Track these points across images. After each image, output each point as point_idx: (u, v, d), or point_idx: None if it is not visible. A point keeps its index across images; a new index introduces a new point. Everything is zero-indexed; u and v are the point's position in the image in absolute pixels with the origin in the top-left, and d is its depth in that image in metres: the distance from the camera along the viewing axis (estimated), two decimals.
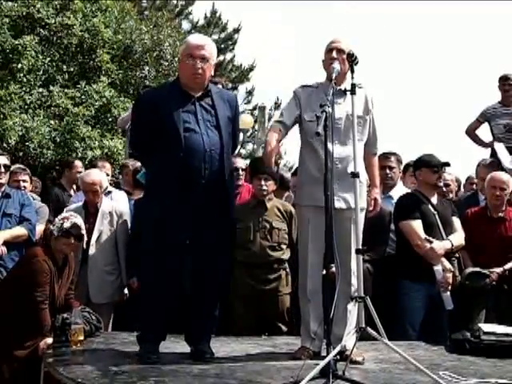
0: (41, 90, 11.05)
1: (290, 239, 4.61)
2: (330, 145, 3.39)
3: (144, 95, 3.75)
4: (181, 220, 3.49)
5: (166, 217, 3.49)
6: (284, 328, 4.57)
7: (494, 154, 6.35)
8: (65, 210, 4.87)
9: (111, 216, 4.84)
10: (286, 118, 3.77)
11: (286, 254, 4.60)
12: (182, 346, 3.74)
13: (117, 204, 5.06)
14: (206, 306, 3.69)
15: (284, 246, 4.59)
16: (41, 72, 11.00)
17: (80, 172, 5.75)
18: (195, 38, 3.71)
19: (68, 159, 7.45)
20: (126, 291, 4.92)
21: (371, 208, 3.79)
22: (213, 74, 3.71)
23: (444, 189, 5.35)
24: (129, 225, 4.97)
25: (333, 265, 3.37)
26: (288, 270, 4.61)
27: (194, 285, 3.64)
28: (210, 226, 3.56)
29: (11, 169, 5.13)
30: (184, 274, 3.63)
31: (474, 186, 5.94)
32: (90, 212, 4.82)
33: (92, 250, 4.71)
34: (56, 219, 4.20)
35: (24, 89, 10.68)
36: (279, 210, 4.63)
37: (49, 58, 11.18)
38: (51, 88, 11.09)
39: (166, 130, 3.52)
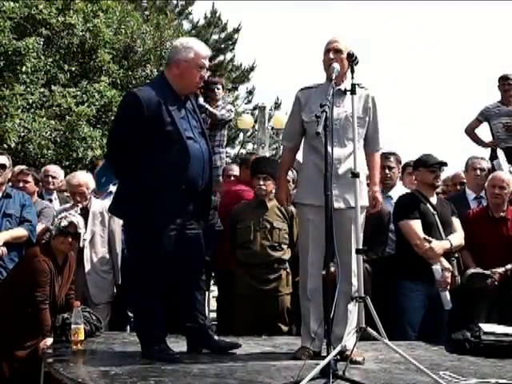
0: (42, 89, 11.04)
1: (290, 239, 4.61)
2: (329, 145, 3.40)
3: (140, 93, 3.52)
4: (182, 225, 3.55)
5: (169, 222, 3.51)
6: (284, 328, 4.57)
7: (493, 153, 6.34)
8: (55, 211, 4.86)
9: (102, 216, 4.82)
10: (289, 141, 3.88)
11: (286, 254, 4.60)
12: (182, 346, 3.75)
13: (107, 203, 5.05)
14: (195, 301, 3.72)
15: (285, 246, 4.59)
16: (43, 72, 11.00)
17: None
18: (204, 48, 3.67)
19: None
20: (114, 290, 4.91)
21: (372, 206, 3.76)
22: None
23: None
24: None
25: (333, 265, 3.37)
26: (289, 270, 4.61)
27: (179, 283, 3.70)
28: (197, 229, 3.68)
29: (19, 169, 5.10)
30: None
31: (458, 186, 5.73)
32: (80, 214, 4.80)
33: (87, 252, 4.70)
34: (55, 219, 4.20)
35: (28, 89, 10.68)
36: (280, 210, 4.62)
37: (50, 59, 11.17)
38: (53, 88, 11.08)
39: (168, 136, 3.48)
